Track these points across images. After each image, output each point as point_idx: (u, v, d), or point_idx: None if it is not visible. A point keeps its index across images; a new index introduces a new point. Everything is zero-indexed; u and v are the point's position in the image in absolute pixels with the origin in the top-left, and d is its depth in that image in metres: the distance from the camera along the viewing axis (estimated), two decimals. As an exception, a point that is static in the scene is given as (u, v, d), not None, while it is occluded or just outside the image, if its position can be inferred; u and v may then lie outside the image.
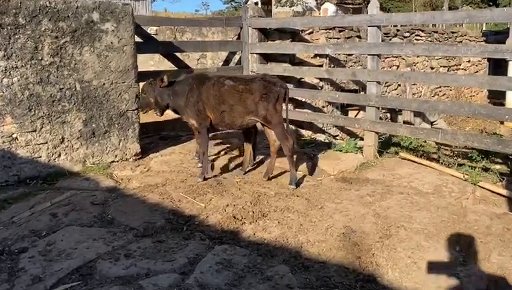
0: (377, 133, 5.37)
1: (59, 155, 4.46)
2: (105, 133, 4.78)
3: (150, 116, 6.35)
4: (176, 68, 6.00)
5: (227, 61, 7.10)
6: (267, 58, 6.75)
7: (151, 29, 7.41)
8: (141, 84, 5.05)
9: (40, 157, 4.32)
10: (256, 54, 6.61)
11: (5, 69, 4.05)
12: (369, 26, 5.32)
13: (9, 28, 4.01)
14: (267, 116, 4.24)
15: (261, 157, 5.09)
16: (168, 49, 5.84)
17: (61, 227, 3.34)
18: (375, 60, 5.29)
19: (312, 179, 4.59)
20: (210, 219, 3.56)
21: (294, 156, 4.50)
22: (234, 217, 3.57)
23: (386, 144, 5.89)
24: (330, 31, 6.96)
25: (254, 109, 4.26)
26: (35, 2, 4.12)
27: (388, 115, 8.54)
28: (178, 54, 6.12)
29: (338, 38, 7.10)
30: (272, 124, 4.29)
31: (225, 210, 3.71)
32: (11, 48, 4.05)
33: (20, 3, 4.04)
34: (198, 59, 7.30)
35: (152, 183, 4.35)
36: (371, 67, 5.31)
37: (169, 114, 7.30)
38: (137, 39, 5.22)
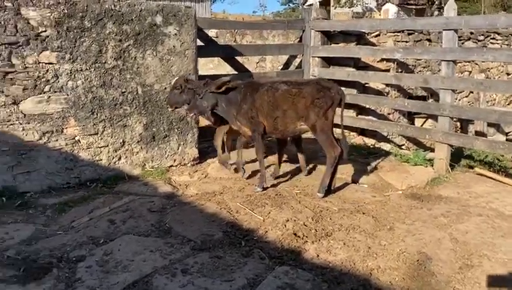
0: (450, 145, 4.93)
1: (119, 158, 4.44)
2: (165, 137, 4.72)
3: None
4: (235, 72, 5.87)
5: (287, 65, 6.88)
6: (329, 62, 6.45)
7: (211, 32, 7.35)
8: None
9: (101, 160, 4.33)
10: (318, 57, 6.34)
11: (70, 72, 4.07)
12: (444, 30, 4.89)
13: (75, 31, 4.04)
14: (316, 122, 4.00)
15: (319, 166, 4.82)
16: (228, 53, 5.71)
17: (119, 235, 3.27)
18: (450, 67, 4.85)
19: (378, 194, 4.26)
20: (269, 235, 3.35)
21: (335, 170, 4.18)
22: (295, 235, 3.34)
23: (456, 156, 5.41)
24: (398, 34, 6.54)
25: (305, 114, 4.03)
26: (101, 5, 4.11)
27: (458, 124, 7.94)
28: (238, 58, 5.98)
29: (406, 42, 6.66)
30: (317, 131, 4.04)
31: (285, 226, 3.49)
32: (77, 51, 4.08)
33: (87, 6, 4.05)
34: (257, 62, 7.14)
35: (209, 190, 4.22)
36: (445, 74, 4.89)
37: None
38: (198, 42, 5.13)
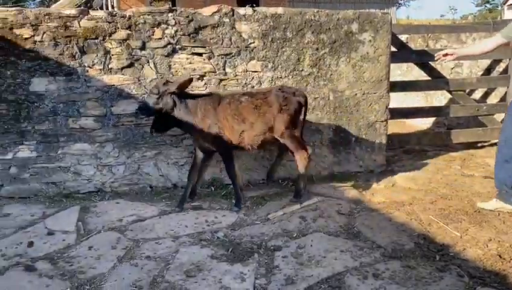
0: None
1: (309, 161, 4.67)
2: (353, 143, 4.78)
3: (396, 127, 6.13)
4: (427, 77, 5.59)
5: (488, 71, 6.23)
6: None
7: (401, 37, 7.12)
8: (392, 94, 4.87)
9: (292, 161, 4.60)
10: (529, 62, 5.57)
11: (271, 79, 4.47)
12: None
13: (278, 41, 4.42)
14: (285, 130, 3.86)
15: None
16: (422, 58, 5.46)
17: (310, 232, 3.45)
18: None
19: None
20: (468, 253, 3.09)
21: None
22: (500, 256, 3.01)
23: None
24: None
25: (273, 123, 3.85)
26: (302, 17, 4.41)
27: None
28: (431, 63, 5.67)
29: None
30: (285, 138, 3.90)
31: (487, 245, 3.17)
32: (278, 60, 4.45)
33: (290, 18, 4.39)
34: (452, 68, 6.63)
35: (397, 200, 4.11)
36: None
37: (416, 126, 6.92)
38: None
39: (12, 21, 3.90)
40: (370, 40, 4.61)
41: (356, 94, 4.68)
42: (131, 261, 2.98)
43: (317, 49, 4.50)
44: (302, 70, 4.51)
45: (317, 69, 4.54)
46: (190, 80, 3.83)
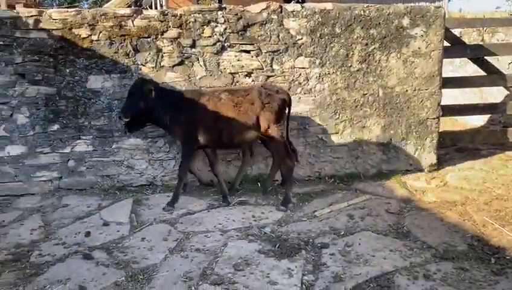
0: None
1: (356, 158, 4.62)
2: (402, 140, 4.67)
3: (447, 125, 5.92)
4: (483, 73, 5.34)
5: (549, 65, 5.87)
6: None
7: (454, 32, 6.85)
8: (444, 90, 4.71)
9: (341, 158, 4.59)
10: None
11: (319, 76, 4.44)
12: None
13: (326, 37, 4.38)
14: (269, 129, 3.81)
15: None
16: (477, 53, 5.22)
17: (358, 230, 3.42)
18: None
19: None
20: (526, 257, 2.95)
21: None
22: None
23: None
24: None
25: (255, 121, 3.80)
26: (351, 12, 4.34)
27: None
28: (487, 58, 5.41)
29: None
30: (270, 138, 3.86)
31: (548, 250, 3.02)
32: (326, 56, 4.41)
33: (338, 13, 4.34)
34: (510, 63, 6.30)
35: (449, 200, 3.98)
36: None
37: (468, 124, 6.65)
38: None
39: (71, 21, 4.10)
40: (422, 35, 4.48)
41: (407, 90, 4.57)
42: (181, 253, 3.08)
43: (366, 44, 4.42)
44: (350, 66, 4.45)
45: (366, 65, 4.47)
46: None
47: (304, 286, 2.66)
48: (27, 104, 4.20)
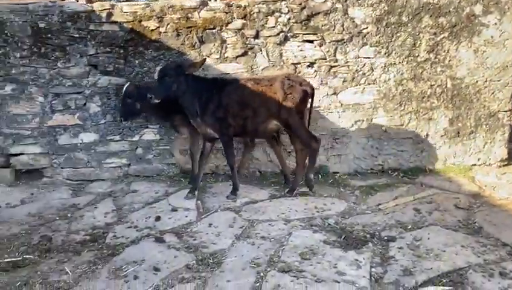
0: None
1: (421, 151, 4.49)
2: (471, 133, 4.49)
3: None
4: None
5: None
6: None
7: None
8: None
9: (405, 151, 4.47)
10: None
11: (384, 66, 4.34)
12: None
13: (392, 26, 4.27)
14: (289, 118, 3.76)
15: None
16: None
17: (425, 225, 3.33)
18: None
19: None
20: None
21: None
22: None
23: None
24: None
25: (278, 110, 3.75)
26: (419, 0, 4.20)
27: None
28: None
29: None
30: (292, 127, 3.82)
31: None
32: (392, 46, 4.30)
33: (406, 1, 4.21)
34: None
35: (525, 196, 3.79)
36: None
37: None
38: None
39: (141, 14, 4.25)
40: (495, 23, 4.25)
41: (477, 81, 4.37)
42: (247, 240, 3.14)
43: (435, 33, 4.26)
44: (417, 56, 4.31)
45: (434, 55, 4.31)
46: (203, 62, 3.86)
47: (372, 278, 2.64)
48: (99, 93, 4.42)
